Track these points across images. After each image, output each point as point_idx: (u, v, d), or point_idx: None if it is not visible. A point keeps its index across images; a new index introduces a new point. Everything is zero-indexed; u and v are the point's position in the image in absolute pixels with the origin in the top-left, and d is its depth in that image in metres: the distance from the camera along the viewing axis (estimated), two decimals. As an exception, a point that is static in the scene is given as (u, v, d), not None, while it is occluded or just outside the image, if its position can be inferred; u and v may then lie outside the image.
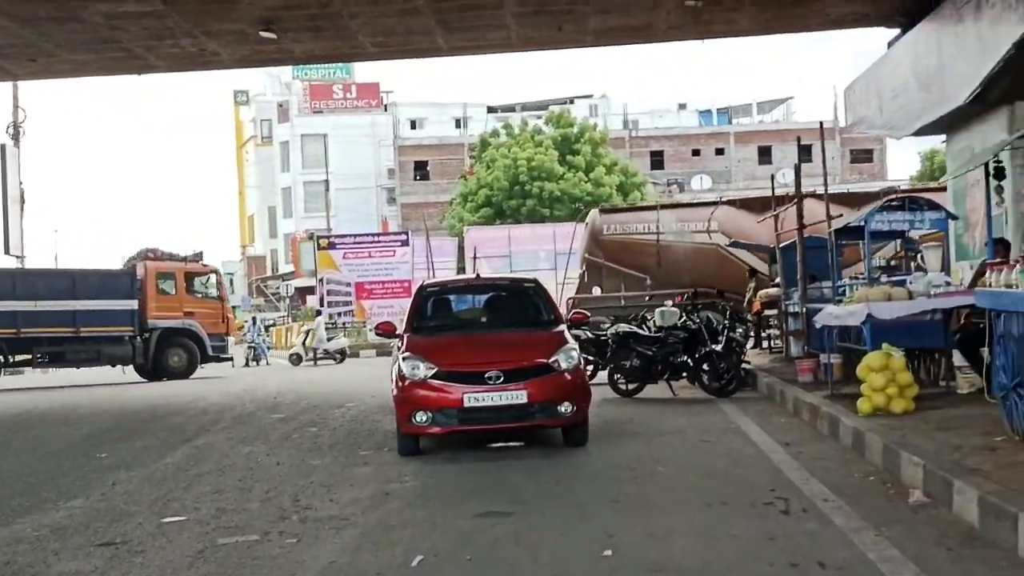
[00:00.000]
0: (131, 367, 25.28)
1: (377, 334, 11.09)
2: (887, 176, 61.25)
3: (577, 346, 9.95)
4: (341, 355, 29.43)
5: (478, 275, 15.26)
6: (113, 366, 25.42)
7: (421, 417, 9.13)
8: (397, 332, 10.39)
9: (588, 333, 15.79)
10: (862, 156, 64.19)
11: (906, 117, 17.73)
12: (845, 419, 9.12)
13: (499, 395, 9.03)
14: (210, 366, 26.38)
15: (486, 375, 9.06)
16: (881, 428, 8.35)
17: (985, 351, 9.88)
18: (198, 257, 26.98)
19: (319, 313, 36.28)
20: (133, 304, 24.60)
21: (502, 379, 9.05)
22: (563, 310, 16.43)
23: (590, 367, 14.96)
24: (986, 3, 14.19)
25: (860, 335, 11.29)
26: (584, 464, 8.68)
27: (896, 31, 18.35)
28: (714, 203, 25.26)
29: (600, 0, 15.84)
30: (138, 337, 24.74)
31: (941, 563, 5.06)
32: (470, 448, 9.59)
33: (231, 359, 27.45)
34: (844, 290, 12.77)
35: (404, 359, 9.45)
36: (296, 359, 29.03)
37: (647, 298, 21.73)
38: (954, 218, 12.54)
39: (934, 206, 11.93)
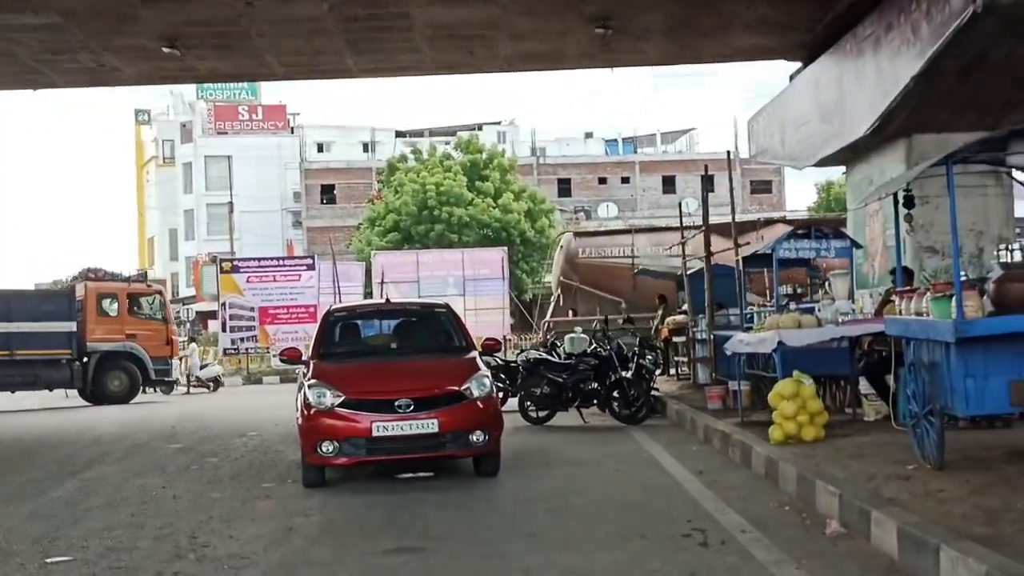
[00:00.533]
0: (75, 391, 24.37)
1: (282, 360, 10.69)
2: (785, 207, 62.79)
3: (489, 373, 9.74)
4: (215, 383, 28.43)
5: (387, 299, 14.94)
6: (51, 390, 24.46)
7: (327, 447, 8.79)
8: (303, 358, 10.04)
9: (498, 360, 15.64)
10: (761, 187, 65.63)
11: (808, 148, 18.10)
12: (757, 447, 9.08)
13: (409, 424, 8.75)
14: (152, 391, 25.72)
15: (396, 403, 8.78)
16: (794, 456, 8.33)
17: (891, 378, 10.04)
18: (142, 277, 26.19)
19: (193, 340, 35.36)
20: (71, 326, 23.56)
21: (412, 407, 8.78)
22: (538, 335, 16.13)
23: (500, 394, 14.81)
24: (885, 37, 14.56)
25: (767, 362, 11.34)
26: (497, 496, 8.46)
27: (798, 64, 18.77)
28: (690, 227, 25.15)
29: (511, 26, 15.78)
30: (77, 361, 23.75)
31: (863, 597, 4.98)
32: (378, 479, 9.28)
33: (175, 382, 26.53)
34: (752, 317, 12.85)
35: (310, 386, 9.11)
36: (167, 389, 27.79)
37: (621, 321, 21.57)
38: (859, 247, 12.73)
39: (839, 234, 12.12)
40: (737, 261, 13.14)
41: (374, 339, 11.08)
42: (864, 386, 10.62)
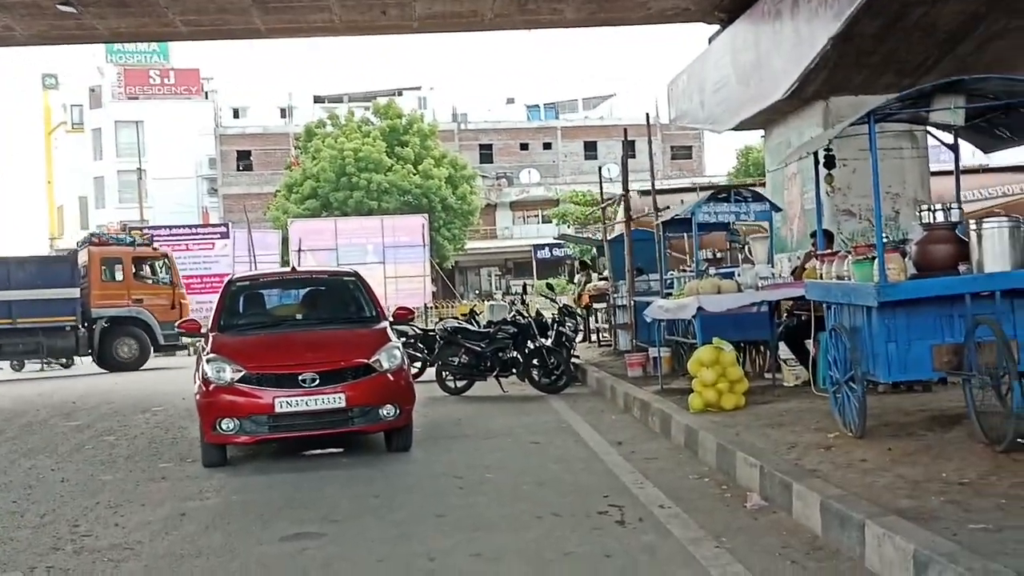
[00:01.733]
0: (88, 358, 23.90)
1: (179, 333, 10.13)
2: (705, 172, 63.18)
3: (400, 344, 9.34)
4: (68, 359, 26.60)
5: (293, 268, 14.37)
6: (56, 359, 24.09)
7: (227, 425, 8.31)
8: (202, 331, 9.52)
9: (416, 328, 15.25)
10: (682, 153, 65.97)
11: (727, 111, 17.93)
12: (677, 416, 8.84)
13: (314, 399, 8.31)
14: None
15: (300, 377, 8.34)
16: (713, 425, 8.10)
17: (810, 343, 9.89)
18: (148, 241, 25.57)
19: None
20: (75, 292, 22.86)
21: (318, 381, 8.34)
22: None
23: (417, 364, 14.42)
24: (803, -1, 14.38)
25: (688, 328, 11.14)
26: (407, 473, 8.07)
27: (716, 27, 18.56)
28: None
29: (425, -16, 15.28)
30: (81, 327, 23.00)
31: (786, 577, 4.73)
32: (283, 457, 8.84)
33: (187, 348, 25.61)
34: (672, 282, 12.63)
35: (208, 361, 8.60)
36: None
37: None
38: (778, 210, 12.58)
39: (759, 198, 11.91)
40: (656, 226, 12.88)
41: (278, 310, 10.57)
42: (784, 351, 10.47)
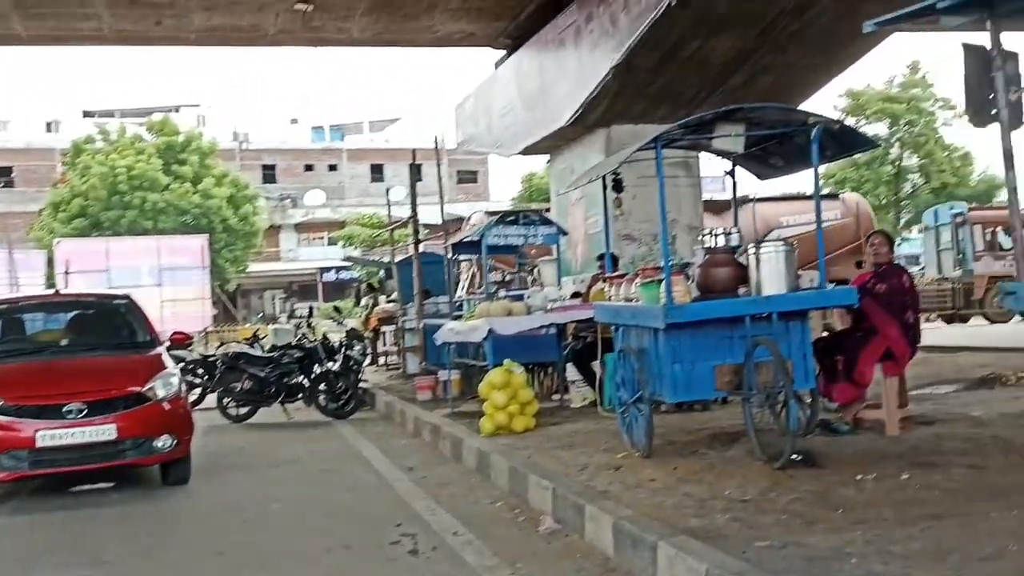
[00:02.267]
0: None
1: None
2: (490, 197, 64.08)
3: (177, 371, 8.82)
4: None
5: (57, 291, 13.39)
6: None
7: (-19, 462, 7.57)
8: (-47, 361, 8.65)
9: (196, 354, 14.58)
10: (468, 177, 66.61)
11: (513, 136, 18.24)
12: (468, 439, 8.77)
13: (81, 431, 7.70)
14: None
15: (65, 408, 7.70)
16: (505, 449, 8.06)
17: (596, 365, 10.07)
18: None
19: None
20: None
21: (85, 412, 7.73)
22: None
23: (197, 391, 13.75)
24: (585, 28, 14.81)
25: (478, 350, 11.13)
26: (185, 508, 7.59)
27: (503, 52, 18.85)
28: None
29: (204, -6, 14.72)
30: None
31: (580, 600, 4.70)
32: (48, 494, 8.14)
33: None
34: (462, 304, 12.62)
35: (-40, 393, 7.81)
36: None
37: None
38: (565, 233, 12.80)
39: (547, 221, 12.09)
40: (446, 248, 12.85)
41: (41, 336, 9.75)
42: (571, 372, 10.61)
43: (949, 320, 25.09)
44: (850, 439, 7.07)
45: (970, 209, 26.71)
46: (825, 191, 34.91)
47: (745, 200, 16.22)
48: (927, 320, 24.73)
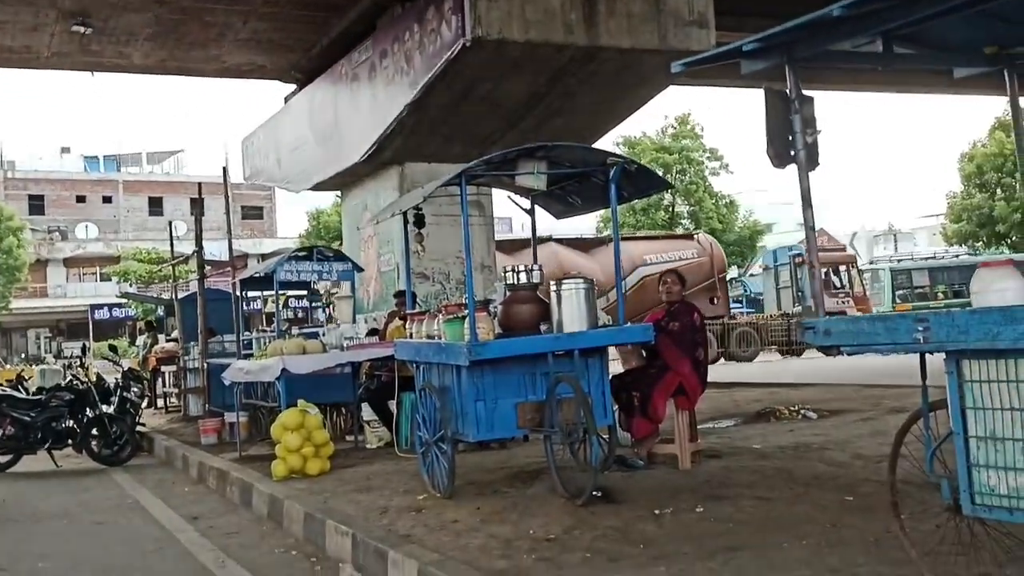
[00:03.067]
0: None
1: None
2: (277, 234, 62.76)
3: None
4: None
5: None
6: None
7: None
8: None
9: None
10: (253, 212, 65.01)
11: (304, 171, 17.86)
12: (259, 485, 8.36)
13: None
14: None
15: None
16: (299, 493, 7.73)
17: (392, 404, 9.89)
18: None
19: None
20: None
21: None
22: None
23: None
24: (380, 65, 14.71)
25: (267, 391, 10.72)
26: (-63, 570, 6.83)
27: (293, 86, 18.48)
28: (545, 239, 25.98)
29: (-35, 11, 13.66)
30: None
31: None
32: None
33: None
34: (251, 343, 12.13)
35: None
36: None
37: None
38: (360, 270, 12.56)
39: (341, 257, 11.81)
40: (234, 284, 12.33)
41: None
42: (366, 412, 10.37)
43: (786, 354, 27.56)
44: (645, 474, 7.20)
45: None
46: (679, 231, 37.49)
47: (544, 239, 16.67)
48: (767, 353, 28.12)
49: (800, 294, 27.49)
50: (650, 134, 45.32)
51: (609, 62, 13.30)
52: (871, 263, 37.73)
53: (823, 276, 27.05)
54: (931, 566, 4.21)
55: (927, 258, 36.39)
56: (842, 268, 28.50)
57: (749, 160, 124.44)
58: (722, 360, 26.75)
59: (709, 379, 7.84)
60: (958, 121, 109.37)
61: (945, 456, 4.13)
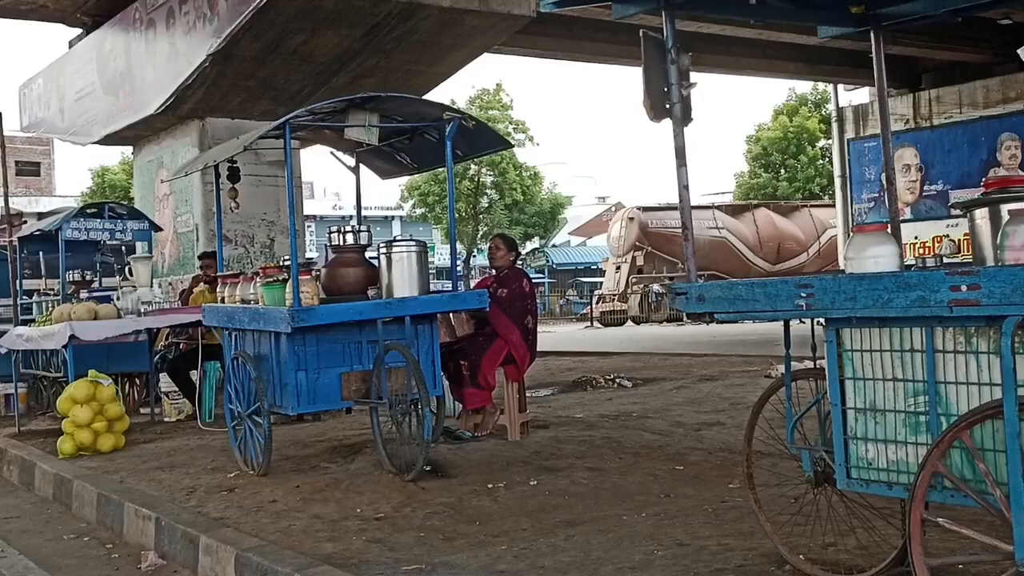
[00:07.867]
0: None
1: None
2: (56, 192, 58.71)
3: None
4: None
5: None
6: None
7: None
8: None
9: None
10: (29, 169, 60.48)
11: (92, 123, 16.53)
12: (42, 463, 7.53)
13: None
14: None
15: None
16: (91, 472, 6.99)
17: (195, 374, 9.19)
18: None
19: None
20: None
21: None
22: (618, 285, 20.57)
23: None
24: (180, 10, 13.72)
25: (50, 359, 9.78)
26: None
27: (79, 30, 17.06)
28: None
29: None
30: None
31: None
32: None
33: None
34: (32, 307, 11.02)
35: None
36: None
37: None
38: (159, 229, 11.65)
39: (136, 215, 10.89)
40: (10, 243, 11.17)
41: None
42: (165, 383, 9.59)
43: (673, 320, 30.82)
44: (475, 446, 6.90)
45: None
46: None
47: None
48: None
49: None
50: (459, 104, 44.99)
51: (427, 19, 12.85)
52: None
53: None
54: (783, 538, 4.10)
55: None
56: None
57: (552, 133, 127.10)
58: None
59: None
60: (742, 105, 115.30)
61: (805, 429, 4.02)
